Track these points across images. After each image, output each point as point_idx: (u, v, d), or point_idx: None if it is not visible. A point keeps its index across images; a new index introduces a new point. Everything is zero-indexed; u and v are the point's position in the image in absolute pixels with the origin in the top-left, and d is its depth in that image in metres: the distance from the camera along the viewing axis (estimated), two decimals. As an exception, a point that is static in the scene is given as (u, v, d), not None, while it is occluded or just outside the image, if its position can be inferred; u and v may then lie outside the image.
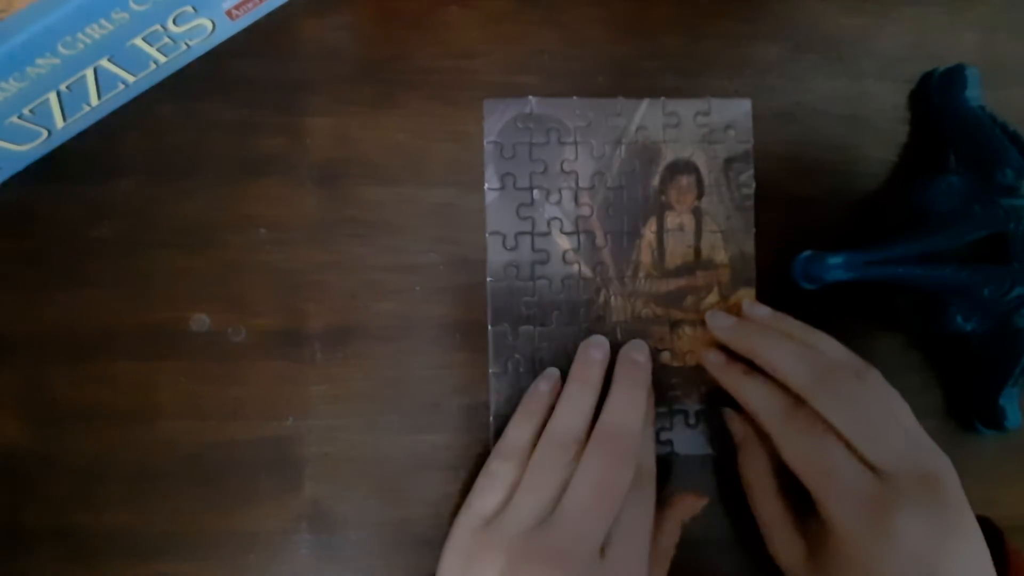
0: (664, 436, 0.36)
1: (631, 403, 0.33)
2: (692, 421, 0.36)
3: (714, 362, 0.35)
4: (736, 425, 0.35)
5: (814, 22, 0.38)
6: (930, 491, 0.29)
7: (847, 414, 0.30)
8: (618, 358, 0.34)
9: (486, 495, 0.31)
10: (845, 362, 0.32)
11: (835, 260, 0.35)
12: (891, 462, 0.29)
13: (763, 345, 0.33)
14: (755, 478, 0.34)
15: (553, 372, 0.34)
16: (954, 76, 0.36)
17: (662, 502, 0.34)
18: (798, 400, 0.31)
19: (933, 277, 0.34)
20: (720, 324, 0.35)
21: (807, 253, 0.35)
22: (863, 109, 0.38)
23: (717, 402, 0.36)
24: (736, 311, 0.36)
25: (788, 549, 0.32)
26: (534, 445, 0.32)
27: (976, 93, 0.36)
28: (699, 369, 0.36)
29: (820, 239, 0.36)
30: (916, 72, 0.38)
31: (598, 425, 0.32)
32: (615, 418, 0.32)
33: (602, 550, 0.30)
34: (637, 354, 0.34)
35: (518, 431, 0.32)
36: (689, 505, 0.35)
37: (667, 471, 0.36)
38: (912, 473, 0.29)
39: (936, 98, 0.37)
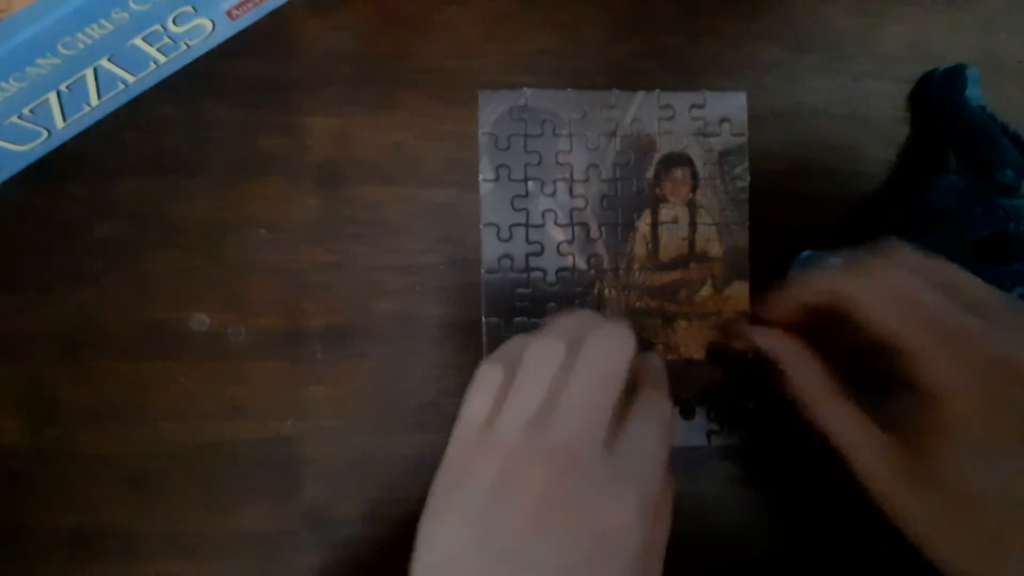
0: None
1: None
2: (687, 414, 0.36)
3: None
4: (767, 339, 0.32)
5: (814, 22, 0.38)
6: None
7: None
8: None
9: (476, 400, 0.27)
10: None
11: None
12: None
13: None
14: (813, 385, 0.30)
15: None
16: (954, 76, 0.36)
17: None
18: None
19: (933, 277, 0.34)
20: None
21: (807, 253, 0.35)
22: (863, 109, 0.38)
23: (711, 395, 0.36)
24: (731, 305, 0.36)
25: (876, 450, 0.28)
26: None
27: (976, 93, 0.36)
28: (693, 362, 0.36)
29: (820, 239, 0.36)
30: (916, 72, 0.38)
31: (598, 325, 0.28)
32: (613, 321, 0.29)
33: (609, 446, 0.26)
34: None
35: (516, 341, 0.29)
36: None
37: None
38: None
39: (936, 98, 0.37)
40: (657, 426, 0.27)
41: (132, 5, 0.29)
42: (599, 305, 0.36)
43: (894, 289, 0.28)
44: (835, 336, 0.30)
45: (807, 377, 0.30)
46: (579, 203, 0.36)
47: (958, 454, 0.26)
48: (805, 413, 0.30)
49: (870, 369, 0.30)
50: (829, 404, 0.29)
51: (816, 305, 0.30)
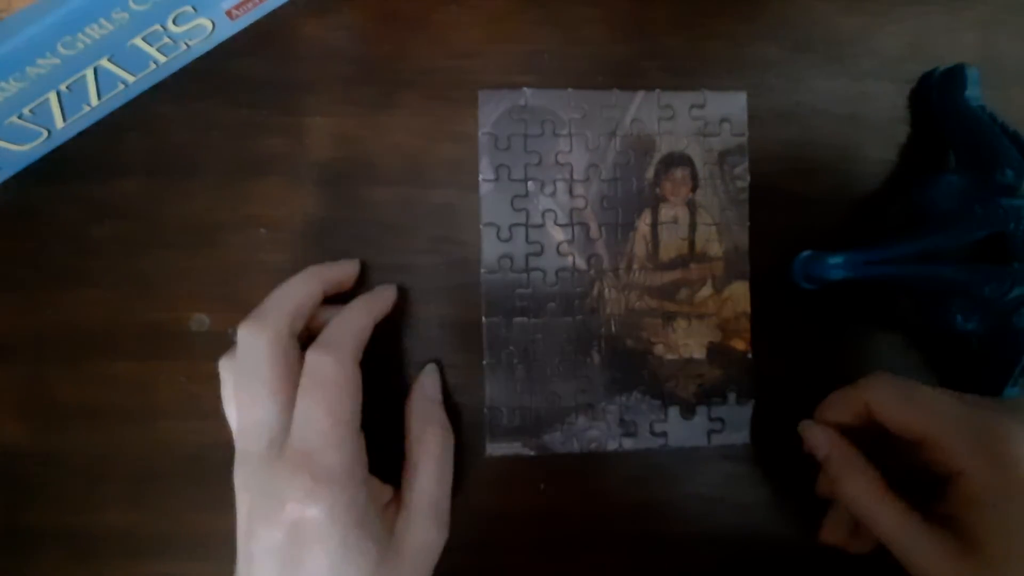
0: (659, 428, 0.36)
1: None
2: (687, 413, 0.36)
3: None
4: (820, 437, 0.32)
5: (814, 22, 0.38)
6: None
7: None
8: None
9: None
10: None
11: (835, 260, 0.35)
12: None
13: None
14: (865, 489, 0.30)
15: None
16: (954, 76, 0.36)
17: None
18: None
19: (933, 276, 0.34)
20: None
21: (807, 253, 0.35)
22: (863, 109, 0.38)
23: (711, 394, 0.36)
24: (731, 305, 0.36)
25: (935, 547, 0.28)
26: None
27: (976, 93, 0.36)
28: (693, 361, 0.36)
29: (820, 239, 0.36)
30: (916, 72, 0.38)
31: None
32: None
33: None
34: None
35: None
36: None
37: None
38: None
39: (936, 98, 0.37)
40: (318, 391, 0.29)
41: (132, 5, 0.29)
42: (598, 306, 0.36)
43: (899, 387, 0.31)
44: (881, 449, 0.31)
45: (857, 478, 0.31)
46: (579, 203, 0.36)
47: (992, 523, 0.28)
48: (855, 514, 0.31)
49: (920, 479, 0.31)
50: (878, 502, 0.30)
51: (853, 422, 0.32)
